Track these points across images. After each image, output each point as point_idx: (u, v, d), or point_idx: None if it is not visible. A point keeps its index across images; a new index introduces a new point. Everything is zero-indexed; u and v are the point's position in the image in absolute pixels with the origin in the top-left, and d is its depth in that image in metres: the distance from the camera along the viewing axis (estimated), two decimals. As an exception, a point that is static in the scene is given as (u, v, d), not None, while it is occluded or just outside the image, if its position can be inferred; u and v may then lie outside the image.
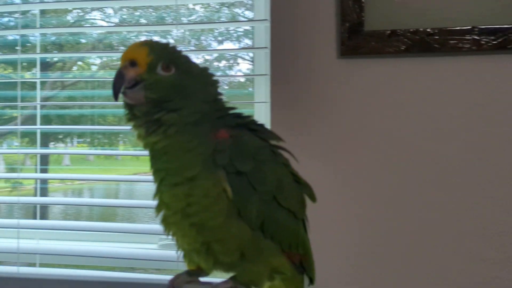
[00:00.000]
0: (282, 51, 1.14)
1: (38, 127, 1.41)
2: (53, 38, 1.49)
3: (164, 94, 0.62)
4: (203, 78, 0.66)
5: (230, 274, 0.67)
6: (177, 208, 0.62)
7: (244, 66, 1.50)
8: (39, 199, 1.42)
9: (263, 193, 0.63)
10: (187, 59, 0.66)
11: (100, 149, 1.57)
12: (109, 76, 1.54)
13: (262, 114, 1.22)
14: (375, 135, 1.11)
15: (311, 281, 0.75)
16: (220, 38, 1.49)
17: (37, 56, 1.47)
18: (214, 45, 1.48)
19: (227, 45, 1.48)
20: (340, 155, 1.11)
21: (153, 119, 0.62)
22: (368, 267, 1.10)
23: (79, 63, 1.64)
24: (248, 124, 0.67)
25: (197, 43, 1.47)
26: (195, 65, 0.67)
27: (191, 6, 1.47)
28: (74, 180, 1.64)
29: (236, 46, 1.47)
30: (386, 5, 1.08)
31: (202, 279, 0.71)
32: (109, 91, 1.46)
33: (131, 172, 1.64)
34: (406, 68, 1.09)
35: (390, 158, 1.10)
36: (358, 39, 1.09)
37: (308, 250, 0.72)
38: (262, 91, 1.25)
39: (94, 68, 1.68)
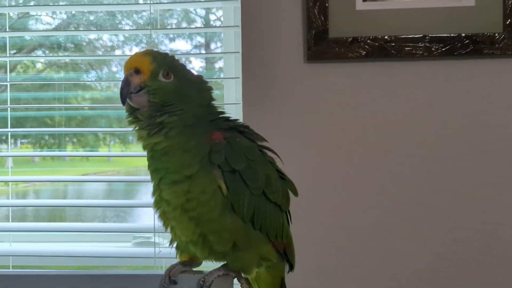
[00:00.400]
0: (253, 56, 1.21)
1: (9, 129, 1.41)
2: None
3: (165, 99, 0.68)
4: (198, 85, 0.72)
5: (221, 263, 0.74)
6: (177, 204, 0.68)
7: (196, 64, 1.51)
8: (12, 202, 1.41)
9: (254, 189, 0.70)
10: (184, 67, 0.72)
11: (48, 151, 1.55)
12: (56, 75, 1.55)
13: (233, 115, 1.28)
14: (339, 133, 1.20)
15: (291, 267, 0.83)
16: (171, 36, 1.51)
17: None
18: (166, 42, 1.50)
19: (179, 42, 1.52)
20: (308, 152, 1.21)
21: (156, 122, 0.68)
22: (338, 256, 1.20)
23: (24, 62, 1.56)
24: (237, 127, 0.74)
25: (149, 40, 1.44)
26: (190, 72, 0.73)
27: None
28: (19, 182, 1.60)
29: (189, 44, 1.52)
30: (348, 14, 1.18)
31: (194, 269, 0.77)
32: (55, 93, 1.49)
33: (80, 173, 1.65)
34: (366, 72, 1.20)
35: (352, 153, 1.20)
36: (323, 45, 1.18)
37: (291, 239, 0.80)
38: (232, 93, 1.32)
39: (39, 66, 1.62)
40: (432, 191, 1.19)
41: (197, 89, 0.71)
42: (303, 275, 1.19)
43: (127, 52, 1.57)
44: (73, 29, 1.54)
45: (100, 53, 1.55)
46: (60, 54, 1.49)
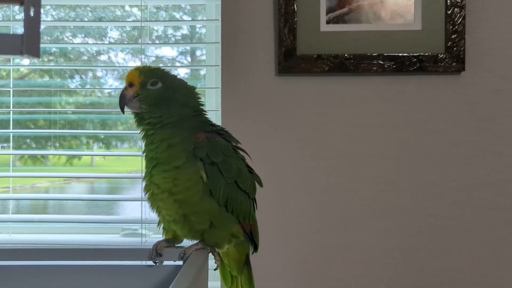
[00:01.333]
0: (231, 69, 1.39)
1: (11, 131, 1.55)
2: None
3: (152, 103, 0.86)
4: (184, 91, 0.89)
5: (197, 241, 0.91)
6: (166, 188, 0.84)
7: (182, 71, 1.63)
8: (12, 195, 1.55)
9: (228, 178, 0.87)
10: (172, 77, 0.90)
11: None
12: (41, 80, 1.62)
13: (213, 120, 1.45)
14: (306, 138, 1.38)
15: (256, 249, 1.00)
16: (157, 42, 1.62)
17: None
18: (152, 48, 1.62)
19: (165, 49, 1.65)
20: (277, 153, 1.38)
21: (152, 121, 0.86)
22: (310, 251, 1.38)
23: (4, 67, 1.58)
24: (218, 130, 0.92)
25: (134, 45, 1.56)
26: (179, 81, 0.90)
27: (127, 8, 1.60)
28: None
29: (174, 50, 1.65)
30: (314, 34, 1.36)
31: (177, 245, 0.93)
32: (39, 98, 1.60)
33: (62, 179, 1.74)
34: (328, 85, 1.38)
35: (318, 157, 1.38)
36: (291, 61, 1.36)
37: (256, 222, 0.97)
38: (213, 101, 1.49)
39: (23, 70, 1.65)
40: (387, 187, 1.37)
41: (183, 95, 0.88)
42: (268, 259, 1.36)
43: (113, 58, 1.66)
44: (58, 33, 1.61)
45: (86, 58, 1.64)
46: (45, 59, 1.58)
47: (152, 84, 0.86)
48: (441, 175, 1.37)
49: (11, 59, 1.56)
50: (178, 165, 0.84)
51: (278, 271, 1.37)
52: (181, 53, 1.68)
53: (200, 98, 0.92)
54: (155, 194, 0.86)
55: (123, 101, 0.86)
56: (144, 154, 0.89)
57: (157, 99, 0.86)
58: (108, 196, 1.58)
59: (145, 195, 0.89)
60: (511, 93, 1.36)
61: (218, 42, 1.42)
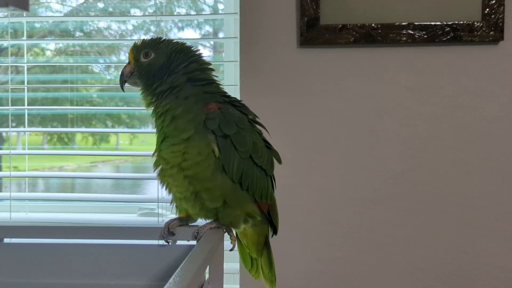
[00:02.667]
0: (250, 41, 1.31)
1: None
2: (5, 23, 1.50)
3: (142, 75, 0.83)
4: (180, 56, 0.82)
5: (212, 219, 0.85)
6: (174, 163, 0.79)
7: (205, 53, 1.60)
8: (29, 173, 1.54)
9: (242, 153, 0.80)
10: (168, 44, 0.84)
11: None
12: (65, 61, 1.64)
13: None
14: (327, 113, 1.31)
15: (275, 231, 0.94)
16: (180, 25, 1.59)
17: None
18: (175, 31, 1.60)
19: (188, 31, 1.61)
20: (300, 133, 1.31)
21: (153, 92, 0.82)
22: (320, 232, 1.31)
23: (34, 48, 1.67)
24: (233, 102, 0.85)
25: (157, 30, 1.54)
26: (177, 46, 0.83)
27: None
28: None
29: (197, 32, 1.61)
30: (338, 2, 1.27)
31: (190, 224, 0.88)
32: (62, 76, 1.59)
33: (88, 161, 1.76)
34: (354, 57, 1.29)
35: (342, 135, 1.30)
36: (314, 31, 1.28)
37: (274, 202, 0.91)
38: (231, 75, 1.42)
39: (48, 53, 1.71)
40: (415, 166, 1.29)
41: (177, 60, 0.82)
42: (289, 240, 1.30)
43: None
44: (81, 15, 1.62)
45: (109, 42, 1.63)
46: (70, 43, 1.59)
47: (145, 56, 0.83)
48: (474, 154, 1.27)
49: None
50: (187, 137, 0.78)
51: (299, 254, 1.32)
52: (204, 35, 1.64)
53: (205, 64, 0.85)
54: (164, 169, 0.81)
55: (121, 79, 0.85)
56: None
57: (146, 69, 0.82)
58: (122, 175, 1.54)
59: (154, 171, 0.84)
60: (554, 65, 1.25)
61: (237, 13, 1.34)
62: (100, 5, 1.61)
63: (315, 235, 1.31)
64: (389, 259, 1.30)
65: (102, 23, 1.65)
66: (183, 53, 0.83)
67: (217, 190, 0.80)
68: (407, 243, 1.29)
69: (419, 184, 1.29)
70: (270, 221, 0.91)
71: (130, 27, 1.65)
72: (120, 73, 0.85)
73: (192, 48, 0.85)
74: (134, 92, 1.55)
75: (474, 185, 1.27)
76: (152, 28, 1.61)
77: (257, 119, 0.88)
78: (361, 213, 1.30)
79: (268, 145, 0.89)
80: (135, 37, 1.65)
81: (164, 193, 1.37)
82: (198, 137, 0.78)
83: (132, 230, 0.87)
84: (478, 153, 1.27)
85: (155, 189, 1.40)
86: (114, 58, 1.66)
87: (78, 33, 1.63)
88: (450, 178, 1.28)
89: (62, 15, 1.62)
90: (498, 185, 1.27)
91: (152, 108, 0.83)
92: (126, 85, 0.86)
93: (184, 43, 0.85)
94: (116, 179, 1.58)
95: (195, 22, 1.62)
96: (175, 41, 0.85)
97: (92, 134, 1.66)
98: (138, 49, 0.83)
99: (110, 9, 1.61)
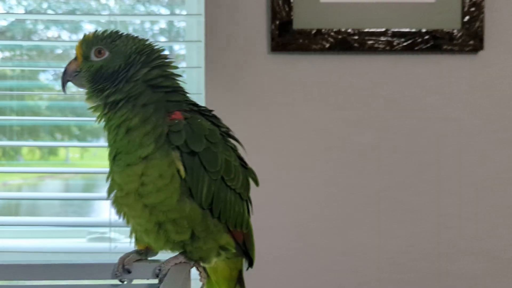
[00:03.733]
0: (216, 45, 1.19)
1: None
2: None
3: (93, 77, 0.68)
4: (137, 58, 0.68)
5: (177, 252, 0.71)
6: (130, 189, 0.64)
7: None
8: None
9: (212, 173, 0.67)
10: (125, 41, 0.69)
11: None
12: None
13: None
14: (301, 124, 1.20)
15: (251, 264, 0.81)
16: (135, 35, 1.47)
17: None
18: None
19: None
20: (270, 142, 1.19)
21: (99, 99, 0.68)
22: (300, 249, 1.20)
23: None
24: (202, 111, 0.71)
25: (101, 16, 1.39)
26: (133, 45, 0.68)
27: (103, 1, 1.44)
28: None
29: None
30: (313, 5, 1.18)
31: (150, 258, 0.74)
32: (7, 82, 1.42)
33: (36, 176, 1.58)
34: (329, 65, 1.20)
35: (317, 149, 1.20)
36: (287, 36, 1.17)
37: (251, 230, 0.78)
38: (194, 83, 1.29)
39: None
40: (393, 183, 1.20)
41: (136, 63, 0.67)
42: (264, 265, 1.18)
43: None
44: (31, 26, 1.46)
45: (60, 51, 1.47)
46: (17, 52, 1.42)
47: (97, 53, 0.68)
48: (455, 169, 1.20)
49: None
50: (146, 155, 0.64)
51: (274, 285, 1.19)
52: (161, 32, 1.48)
53: (169, 68, 0.71)
54: (119, 197, 0.66)
55: (64, 78, 0.69)
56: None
57: (97, 72, 0.67)
58: (73, 195, 1.36)
59: (107, 198, 0.69)
60: (532, 76, 1.20)
61: (201, 14, 1.21)
62: (50, 11, 1.45)
63: (292, 262, 1.19)
64: (367, 284, 1.19)
65: (51, 33, 1.49)
66: (145, 55, 0.68)
67: (184, 220, 0.66)
68: (386, 268, 1.20)
69: (398, 202, 1.20)
70: (245, 252, 0.78)
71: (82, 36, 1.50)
72: (63, 71, 0.70)
73: (156, 48, 0.71)
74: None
75: (454, 202, 1.20)
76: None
77: (230, 133, 0.75)
78: (339, 236, 1.19)
79: (243, 164, 0.76)
80: None
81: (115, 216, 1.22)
82: (159, 155, 0.64)
83: (79, 267, 0.71)
84: (458, 167, 1.20)
85: (107, 211, 1.23)
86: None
87: (25, 43, 1.47)
88: (429, 196, 1.20)
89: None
90: (479, 203, 1.20)
91: (104, 120, 0.68)
92: (70, 85, 0.71)
93: (147, 41, 0.71)
94: (64, 200, 1.40)
95: (150, 33, 1.48)
96: (136, 37, 0.70)
97: (40, 147, 1.48)
98: (89, 45, 0.68)
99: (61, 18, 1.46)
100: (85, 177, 1.61)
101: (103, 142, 1.49)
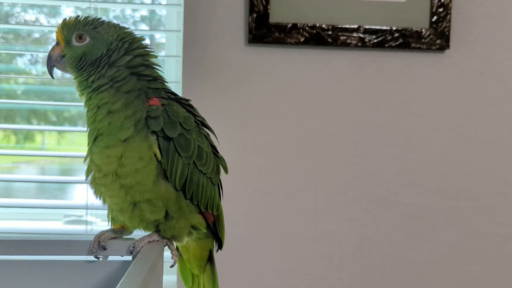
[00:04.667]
0: (195, 35, 1.22)
1: None
2: None
3: (77, 63, 0.70)
4: (122, 46, 0.71)
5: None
6: (109, 170, 0.68)
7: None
8: None
9: (185, 158, 0.71)
10: (107, 28, 0.71)
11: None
12: None
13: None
14: (275, 115, 1.24)
15: (220, 246, 0.85)
16: (115, 22, 1.47)
17: None
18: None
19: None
20: (246, 136, 1.23)
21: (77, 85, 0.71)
22: (270, 236, 1.24)
23: None
24: (179, 99, 0.75)
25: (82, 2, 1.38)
26: (118, 32, 0.72)
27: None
28: None
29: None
30: (289, 0, 1.22)
31: (125, 237, 0.78)
32: None
33: (10, 161, 1.56)
34: (303, 58, 1.24)
35: (289, 139, 1.25)
36: (264, 29, 1.21)
37: (221, 213, 0.82)
38: (172, 72, 1.32)
39: None
40: (362, 173, 1.26)
41: (118, 50, 0.70)
42: (235, 250, 1.22)
43: None
44: (8, 8, 1.44)
45: (38, 35, 1.46)
46: None
47: (78, 39, 0.71)
48: (420, 161, 1.27)
49: None
50: (125, 138, 0.67)
51: (244, 268, 1.24)
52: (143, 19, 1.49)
53: (149, 57, 0.74)
54: (97, 177, 0.70)
55: (50, 63, 0.72)
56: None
57: (81, 59, 0.70)
58: (50, 178, 1.38)
59: (86, 179, 0.72)
60: (494, 76, 1.27)
61: (180, 5, 1.24)
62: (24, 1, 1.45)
63: (261, 246, 1.24)
64: (334, 270, 1.25)
65: (29, 16, 1.48)
66: (127, 43, 0.71)
67: (160, 200, 0.70)
68: (352, 252, 1.26)
69: (366, 191, 1.26)
70: (215, 234, 0.82)
71: (60, 21, 1.48)
72: (47, 56, 0.72)
73: (137, 37, 0.74)
74: (65, 87, 1.42)
75: (419, 193, 1.27)
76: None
77: (205, 122, 0.79)
78: (308, 223, 1.25)
79: (215, 151, 0.80)
80: None
81: (94, 199, 1.25)
82: (138, 139, 0.68)
83: (55, 243, 0.74)
84: (423, 160, 1.27)
85: (84, 194, 1.26)
86: (41, 53, 1.48)
87: (2, 25, 1.45)
88: (396, 185, 1.26)
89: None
90: (441, 192, 1.27)
91: (85, 98, 0.71)
92: (56, 70, 0.73)
93: (127, 29, 0.74)
94: (40, 182, 1.41)
95: (131, 20, 1.49)
96: (116, 25, 0.73)
97: (15, 132, 1.48)
98: (70, 30, 0.71)
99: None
100: (62, 162, 1.61)
101: (80, 127, 1.50)
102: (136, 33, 0.75)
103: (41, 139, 1.60)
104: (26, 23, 1.45)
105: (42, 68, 1.48)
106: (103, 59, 0.70)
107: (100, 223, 1.33)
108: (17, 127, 1.43)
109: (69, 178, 1.43)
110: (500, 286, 1.28)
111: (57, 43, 0.72)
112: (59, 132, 1.53)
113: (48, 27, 1.41)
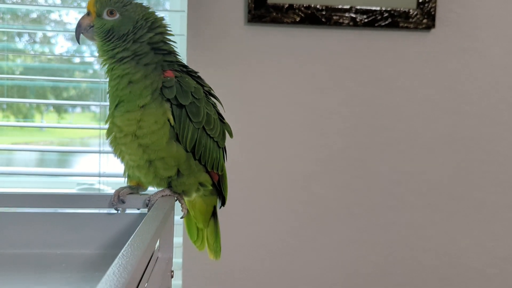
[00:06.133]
0: (198, 15, 1.31)
1: None
2: None
3: (105, 35, 0.79)
4: (146, 25, 0.80)
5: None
6: (129, 131, 0.77)
7: None
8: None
9: (196, 123, 0.81)
10: (134, 7, 0.81)
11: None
12: None
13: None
14: (272, 90, 1.34)
15: (223, 203, 0.96)
16: (141, 3, 1.50)
17: None
18: None
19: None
20: (245, 108, 1.33)
21: (101, 54, 0.80)
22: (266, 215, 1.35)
23: None
24: (190, 72, 0.85)
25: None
26: (144, 13, 0.81)
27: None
28: None
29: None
30: (286, -18, 1.30)
31: (141, 193, 0.88)
32: None
33: (9, 142, 1.56)
34: (299, 36, 1.33)
35: (285, 111, 1.35)
36: (262, 9, 1.30)
37: (225, 173, 0.93)
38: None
39: None
40: (351, 144, 1.36)
41: (143, 28, 0.80)
42: (235, 212, 1.33)
43: (64, 17, 1.51)
44: None
45: (35, 15, 1.49)
46: None
47: (109, 13, 0.79)
48: (406, 132, 1.37)
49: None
50: (143, 104, 0.77)
51: (245, 226, 1.35)
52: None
53: (167, 35, 0.84)
54: (118, 137, 0.80)
55: (78, 30, 0.80)
56: (108, 94, 0.82)
57: (109, 31, 0.79)
58: (64, 148, 1.48)
59: (107, 139, 0.83)
60: (477, 54, 1.37)
61: (184, -14, 1.33)
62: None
63: (259, 207, 1.35)
64: (326, 231, 1.37)
65: None
66: (150, 22, 0.81)
67: (172, 158, 0.80)
68: (342, 216, 1.37)
69: (356, 159, 1.37)
70: (219, 192, 0.93)
71: (58, 0, 1.54)
72: (77, 24, 0.80)
73: (159, 17, 0.83)
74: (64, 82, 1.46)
75: (403, 160, 1.37)
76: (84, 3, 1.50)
77: (212, 92, 0.89)
78: (301, 188, 1.36)
79: (221, 118, 0.90)
80: (63, 12, 1.51)
81: (105, 167, 1.35)
82: (154, 105, 0.78)
83: (79, 198, 0.84)
84: (410, 131, 1.37)
85: (95, 163, 1.35)
86: (39, 33, 1.52)
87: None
88: (383, 154, 1.37)
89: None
90: (425, 158, 1.38)
91: (107, 65, 0.80)
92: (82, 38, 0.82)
93: (151, 9, 0.83)
94: (58, 152, 1.50)
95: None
96: (142, 5, 0.82)
97: (15, 113, 1.51)
98: (103, 4, 0.79)
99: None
100: (61, 143, 1.64)
101: (78, 110, 1.57)
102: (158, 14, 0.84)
103: (40, 120, 1.61)
104: (23, 2, 1.46)
105: (40, 49, 1.51)
106: (129, 35, 0.79)
107: (111, 190, 1.43)
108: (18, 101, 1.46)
109: (83, 148, 1.53)
110: (476, 245, 1.40)
111: (88, 14, 0.80)
112: (58, 113, 1.57)
113: (46, 6, 1.45)
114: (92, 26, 0.80)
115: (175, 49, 0.86)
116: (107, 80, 0.81)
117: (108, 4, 0.79)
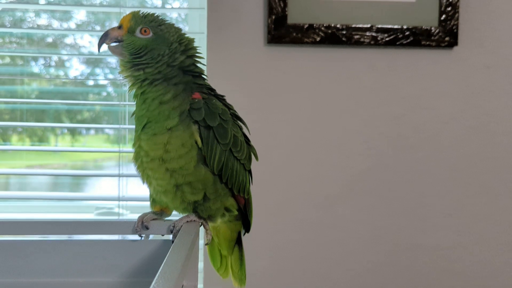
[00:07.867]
0: (217, 37, 1.30)
1: None
2: None
3: (135, 52, 0.77)
4: (177, 48, 0.79)
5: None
6: (156, 155, 0.76)
7: None
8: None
9: (223, 145, 0.79)
10: (168, 28, 0.79)
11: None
12: None
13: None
14: (293, 110, 1.32)
15: (248, 229, 0.93)
16: (173, 23, 1.50)
17: None
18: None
19: None
20: (267, 129, 1.31)
21: (136, 71, 0.77)
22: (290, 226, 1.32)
23: None
24: (217, 95, 0.84)
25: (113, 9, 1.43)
26: (175, 34, 0.79)
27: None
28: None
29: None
30: (306, 2, 1.29)
31: (165, 218, 0.86)
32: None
33: (24, 166, 1.57)
34: (320, 56, 1.32)
35: (307, 133, 1.32)
36: (282, 30, 1.29)
37: (251, 197, 0.90)
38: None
39: None
40: (375, 164, 1.33)
41: (172, 50, 0.78)
42: (259, 238, 1.30)
43: (79, 40, 1.53)
44: (21, 13, 1.46)
45: (50, 40, 1.50)
46: (6, 40, 1.44)
47: (143, 32, 0.78)
48: (430, 152, 1.34)
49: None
50: (171, 126, 0.75)
51: (270, 253, 1.32)
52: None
53: (198, 57, 0.83)
54: (145, 162, 0.78)
55: (103, 39, 0.78)
56: (134, 115, 0.80)
57: (141, 49, 0.77)
58: (83, 172, 1.47)
59: (134, 164, 0.81)
60: (501, 70, 1.34)
61: (204, 8, 1.33)
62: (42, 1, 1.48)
63: (284, 232, 1.32)
64: (351, 256, 1.33)
65: (42, 20, 1.52)
66: (183, 45, 0.80)
67: (199, 183, 0.78)
68: (367, 238, 1.33)
69: (380, 181, 1.33)
70: (243, 218, 0.90)
71: (73, 25, 1.55)
72: (104, 32, 0.78)
73: (191, 39, 0.82)
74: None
75: (429, 183, 1.34)
76: (107, 24, 1.52)
77: (237, 114, 0.88)
78: (325, 210, 1.32)
79: (247, 141, 0.88)
80: (78, 36, 1.53)
81: (125, 191, 1.33)
82: (182, 127, 0.76)
83: (102, 224, 0.83)
84: (433, 151, 1.34)
85: (113, 187, 1.34)
86: (54, 57, 1.53)
87: (15, 31, 1.48)
88: (408, 175, 1.33)
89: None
90: (452, 179, 1.34)
91: (134, 89, 0.79)
92: (104, 49, 0.80)
93: (183, 32, 0.82)
94: (72, 176, 1.50)
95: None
96: (175, 26, 0.81)
97: (30, 136, 1.52)
98: (138, 21, 0.78)
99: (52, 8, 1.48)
100: (74, 166, 1.63)
101: (92, 133, 1.56)
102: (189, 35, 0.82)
103: (54, 142, 1.60)
104: (38, 27, 1.48)
105: (54, 73, 1.53)
106: (164, 57, 0.77)
107: (130, 215, 1.41)
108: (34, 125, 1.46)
109: (102, 172, 1.52)
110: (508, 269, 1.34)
111: (119, 27, 0.78)
112: (73, 135, 1.56)
113: (60, 30, 1.46)
114: (120, 41, 0.78)
115: (203, 72, 0.84)
116: (126, 102, 0.79)
117: (143, 22, 0.78)
